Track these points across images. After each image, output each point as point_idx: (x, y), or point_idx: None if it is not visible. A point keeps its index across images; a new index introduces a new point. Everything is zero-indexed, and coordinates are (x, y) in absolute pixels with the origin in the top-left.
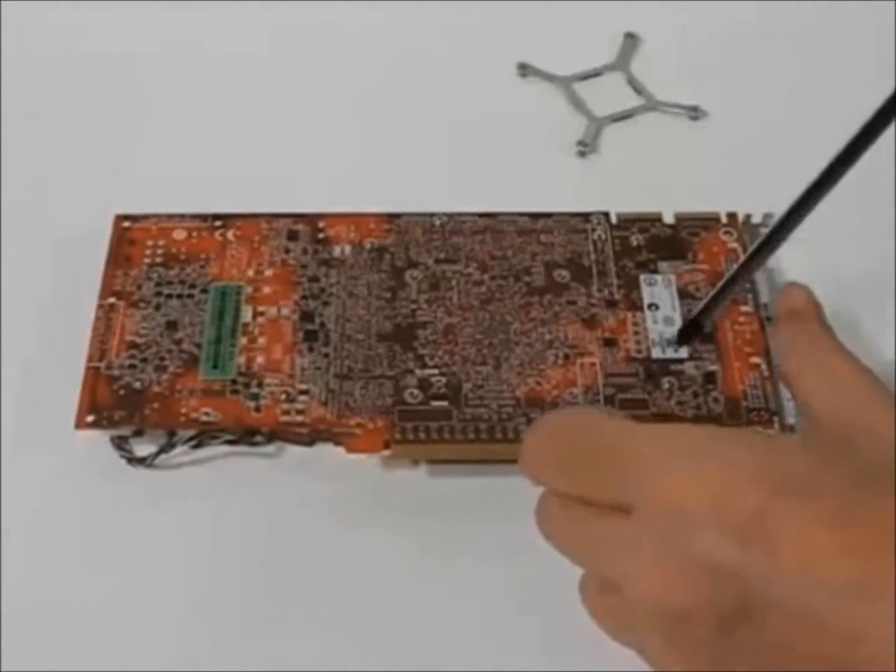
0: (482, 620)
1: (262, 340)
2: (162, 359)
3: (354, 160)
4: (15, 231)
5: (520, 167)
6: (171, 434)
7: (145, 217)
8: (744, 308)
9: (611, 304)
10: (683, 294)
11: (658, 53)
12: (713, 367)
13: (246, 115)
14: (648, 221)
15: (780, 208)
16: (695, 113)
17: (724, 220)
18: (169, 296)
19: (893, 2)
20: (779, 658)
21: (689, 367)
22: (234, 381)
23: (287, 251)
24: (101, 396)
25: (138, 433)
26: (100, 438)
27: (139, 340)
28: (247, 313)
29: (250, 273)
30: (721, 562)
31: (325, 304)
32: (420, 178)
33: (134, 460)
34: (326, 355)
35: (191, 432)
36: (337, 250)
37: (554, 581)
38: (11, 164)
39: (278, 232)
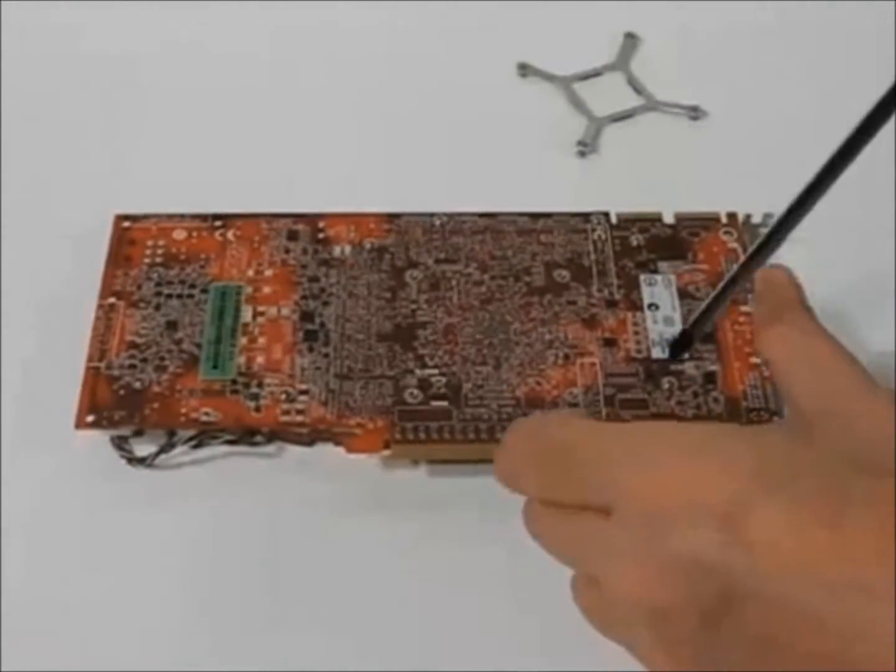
0: (482, 620)
1: (262, 340)
2: (162, 359)
3: (354, 160)
4: (15, 231)
5: (520, 167)
6: (171, 434)
7: (145, 217)
8: (744, 308)
9: (611, 304)
10: (683, 294)
11: (658, 53)
12: (713, 367)
13: (246, 115)
14: (648, 221)
15: (780, 208)
16: (695, 113)
17: (724, 220)
18: (169, 296)
19: (893, 2)
20: (763, 651)
21: (689, 367)
22: (234, 381)
23: (287, 251)
24: (101, 396)
25: (138, 433)
26: (100, 438)
27: (139, 340)
28: (247, 313)
29: (250, 273)
30: (699, 557)
31: (325, 304)
32: (420, 178)
33: (134, 460)
34: (326, 355)
35: (191, 432)
36: (337, 250)
37: (554, 581)
38: (11, 164)
39: (278, 232)
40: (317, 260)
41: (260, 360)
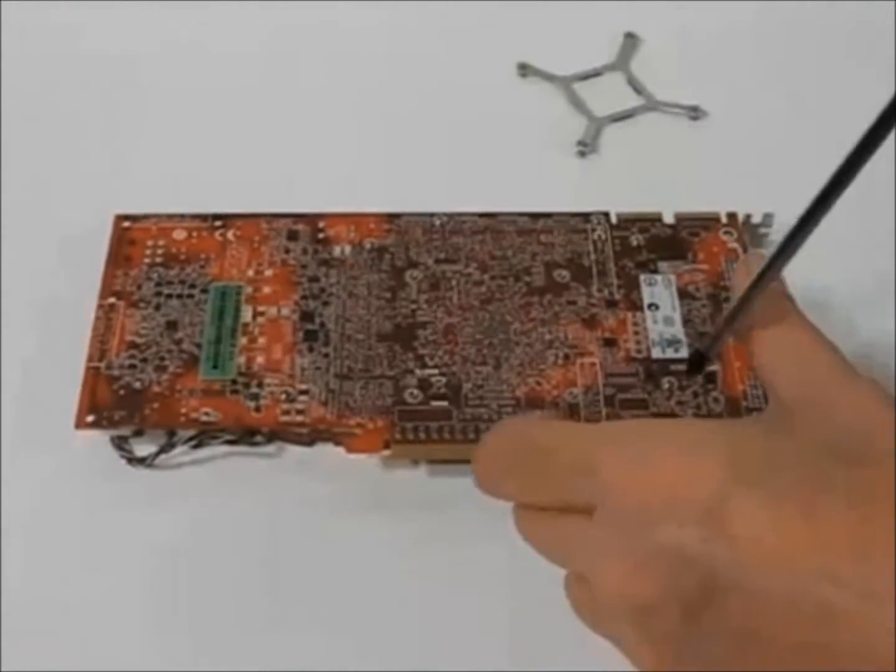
0: (482, 620)
1: (262, 340)
2: (162, 359)
3: (354, 160)
4: (15, 231)
5: (520, 167)
6: (171, 434)
7: (145, 217)
8: None
9: (611, 304)
10: (683, 294)
11: (658, 53)
12: (713, 367)
13: (246, 115)
14: (648, 221)
15: (780, 208)
16: (695, 113)
17: (724, 220)
18: (169, 296)
19: (893, 2)
20: (744, 644)
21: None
22: (234, 381)
23: (287, 251)
24: (101, 396)
25: (138, 433)
26: (100, 438)
27: (139, 340)
28: (247, 313)
29: (250, 273)
30: (680, 552)
31: (325, 304)
32: (420, 178)
33: (134, 460)
34: (326, 355)
35: (191, 432)
36: (337, 250)
37: (553, 580)
38: (11, 164)
39: (278, 232)
40: (317, 260)
41: (260, 360)
